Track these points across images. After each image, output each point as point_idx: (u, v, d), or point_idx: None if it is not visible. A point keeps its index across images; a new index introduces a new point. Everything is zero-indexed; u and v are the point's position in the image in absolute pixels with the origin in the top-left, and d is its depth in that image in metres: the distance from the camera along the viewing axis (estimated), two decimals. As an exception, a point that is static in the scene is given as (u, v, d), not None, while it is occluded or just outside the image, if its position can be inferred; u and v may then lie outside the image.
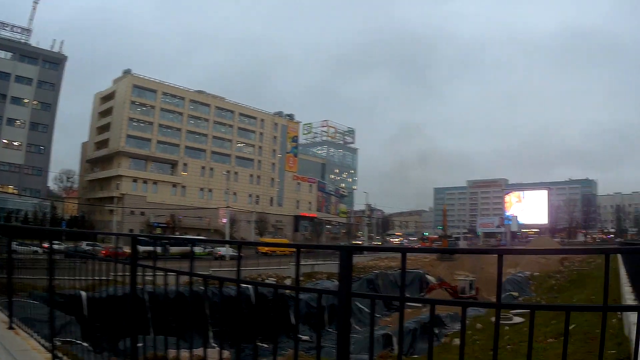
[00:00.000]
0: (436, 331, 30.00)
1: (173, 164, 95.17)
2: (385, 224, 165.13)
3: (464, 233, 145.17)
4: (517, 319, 28.69)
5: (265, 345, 26.22)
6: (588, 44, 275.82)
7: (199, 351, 6.21)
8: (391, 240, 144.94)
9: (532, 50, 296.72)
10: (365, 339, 25.64)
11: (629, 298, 15.58)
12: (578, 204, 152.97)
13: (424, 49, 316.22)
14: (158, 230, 78.40)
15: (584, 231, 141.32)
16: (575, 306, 4.25)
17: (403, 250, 3.39)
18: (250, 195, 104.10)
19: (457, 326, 31.63)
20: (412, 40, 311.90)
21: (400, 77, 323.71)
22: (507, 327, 26.71)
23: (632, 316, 11.04)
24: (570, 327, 17.15)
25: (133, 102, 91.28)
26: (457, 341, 24.77)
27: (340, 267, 3.37)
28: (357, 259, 66.01)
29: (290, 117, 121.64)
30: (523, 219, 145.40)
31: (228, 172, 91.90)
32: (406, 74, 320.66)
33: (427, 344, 21.61)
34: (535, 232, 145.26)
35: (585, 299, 26.60)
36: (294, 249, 4.54)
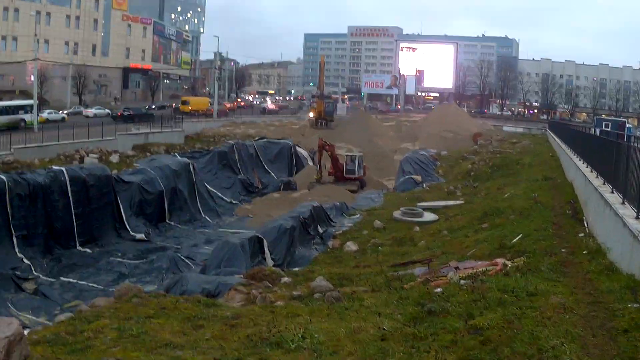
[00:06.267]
0: (320, 230, 23.05)
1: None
2: (240, 78, 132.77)
3: (344, 93, 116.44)
4: (430, 216, 23.61)
5: (89, 251, 21.32)
6: None
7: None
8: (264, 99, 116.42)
9: None
10: (224, 247, 19.23)
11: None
12: (493, 67, 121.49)
13: None
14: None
15: (499, 101, 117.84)
16: None
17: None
18: (67, 43, 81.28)
19: (347, 222, 25.91)
20: None
21: None
22: (417, 228, 21.77)
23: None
24: (515, 240, 13.47)
25: None
26: (350, 246, 20.37)
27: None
28: (205, 125, 55.15)
29: None
30: (421, 81, 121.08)
31: (38, 12, 71.43)
32: None
33: (309, 248, 19.81)
34: (435, 98, 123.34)
35: (523, 193, 21.59)
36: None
